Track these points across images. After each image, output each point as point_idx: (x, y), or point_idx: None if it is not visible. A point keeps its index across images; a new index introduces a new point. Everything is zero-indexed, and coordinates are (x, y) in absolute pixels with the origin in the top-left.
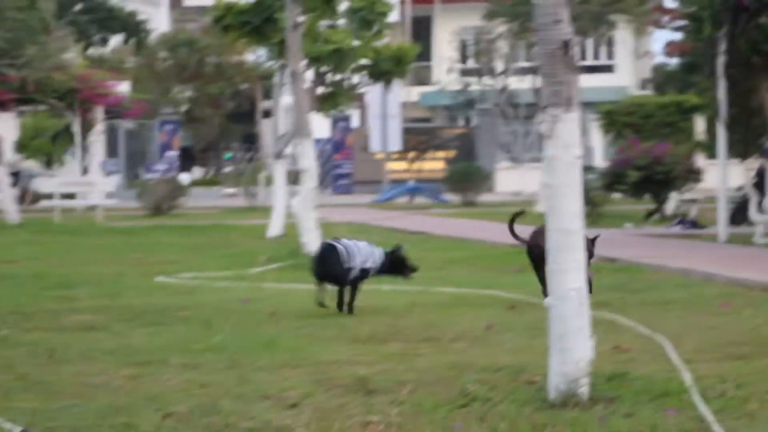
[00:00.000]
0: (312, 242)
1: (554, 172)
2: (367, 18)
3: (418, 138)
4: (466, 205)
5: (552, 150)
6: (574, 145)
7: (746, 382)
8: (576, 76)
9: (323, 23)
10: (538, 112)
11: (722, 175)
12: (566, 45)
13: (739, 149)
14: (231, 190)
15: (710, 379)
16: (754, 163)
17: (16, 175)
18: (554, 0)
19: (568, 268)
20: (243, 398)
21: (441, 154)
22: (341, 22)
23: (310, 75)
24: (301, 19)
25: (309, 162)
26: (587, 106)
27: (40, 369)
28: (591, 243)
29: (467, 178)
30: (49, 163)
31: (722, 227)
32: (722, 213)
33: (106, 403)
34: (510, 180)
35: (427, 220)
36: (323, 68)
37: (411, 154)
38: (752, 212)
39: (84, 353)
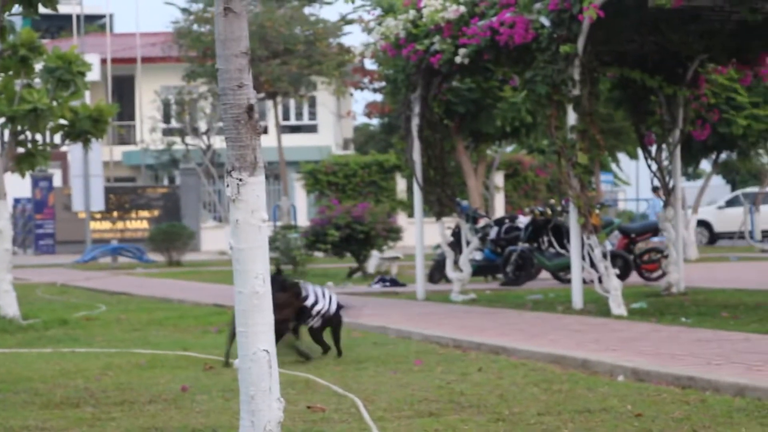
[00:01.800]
0: (7, 304)
1: (241, 236)
2: (64, 78)
3: (122, 197)
4: (171, 264)
5: (238, 214)
6: (260, 209)
7: None
8: (259, 141)
9: (19, 82)
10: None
11: (419, 234)
12: (250, 109)
13: (437, 208)
14: None
15: None
16: (450, 222)
17: None
18: (237, 65)
19: (256, 330)
20: None
21: (145, 213)
22: (38, 81)
23: (6, 134)
24: None
25: (3, 222)
26: (290, 165)
27: None
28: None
29: (172, 237)
30: None
31: (420, 285)
32: (420, 271)
33: None
34: (215, 239)
35: (131, 280)
36: (19, 128)
37: (114, 214)
38: (449, 270)
39: None
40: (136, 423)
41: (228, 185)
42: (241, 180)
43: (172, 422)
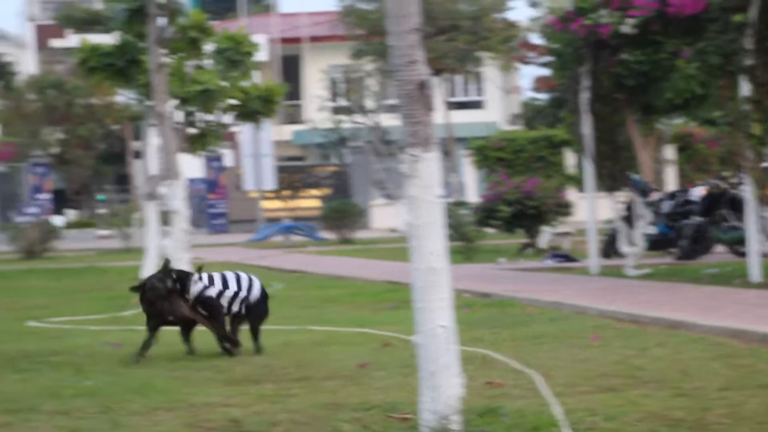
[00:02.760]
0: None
1: (417, 212)
2: (234, 58)
3: (292, 176)
4: (342, 242)
5: (413, 190)
6: (435, 185)
7: (616, 413)
8: (433, 116)
9: (190, 64)
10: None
11: (592, 209)
12: (422, 85)
13: (608, 183)
14: (105, 232)
15: (580, 412)
16: (622, 197)
17: None
18: (409, 41)
19: (434, 306)
20: None
21: (315, 191)
22: (208, 62)
23: (179, 115)
24: (165, 60)
25: (179, 203)
26: (458, 141)
27: None
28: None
29: (342, 215)
30: None
31: (593, 260)
32: (593, 246)
33: None
34: (385, 216)
35: (303, 258)
36: (192, 109)
37: (286, 193)
38: (622, 244)
39: None
40: (315, 399)
41: (402, 162)
42: (415, 156)
43: (351, 398)
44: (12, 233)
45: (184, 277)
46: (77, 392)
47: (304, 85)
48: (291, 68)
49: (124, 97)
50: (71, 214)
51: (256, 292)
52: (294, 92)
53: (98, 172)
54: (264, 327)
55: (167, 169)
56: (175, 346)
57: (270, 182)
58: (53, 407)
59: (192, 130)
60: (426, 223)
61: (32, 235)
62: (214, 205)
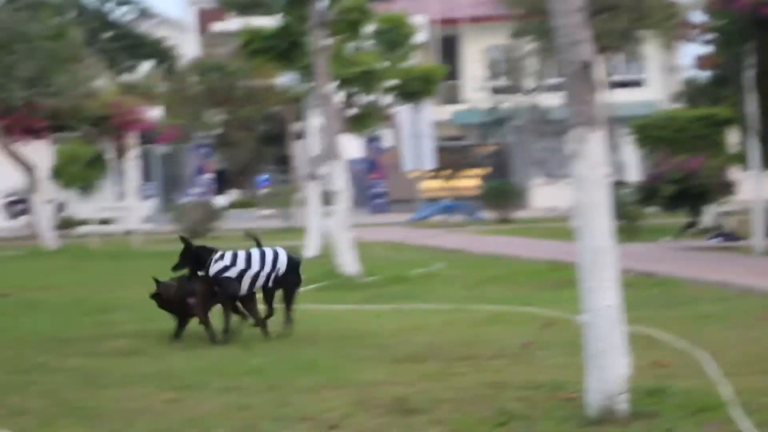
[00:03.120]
0: (348, 263)
1: (583, 191)
2: (394, 39)
3: (452, 156)
4: (501, 222)
5: (580, 169)
6: (601, 164)
7: None
8: (597, 96)
9: (350, 45)
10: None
11: (757, 187)
12: (586, 65)
13: None
14: (266, 212)
15: (750, 392)
16: None
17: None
18: (573, 21)
19: (602, 285)
20: (282, 420)
21: (475, 171)
22: (368, 44)
23: (340, 96)
24: (327, 42)
25: (341, 183)
26: (619, 121)
27: (81, 394)
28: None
29: (502, 195)
30: (85, 190)
31: (759, 239)
32: (758, 225)
33: (147, 428)
34: (545, 196)
35: (463, 237)
36: (352, 90)
37: (445, 173)
38: None
39: (124, 378)
40: (480, 378)
41: (567, 141)
42: (580, 135)
43: (517, 377)
44: (176, 213)
45: (204, 254)
46: (244, 370)
47: (462, 65)
48: (450, 48)
49: (284, 79)
50: (233, 195)
51: (282, 265)
52: (454, 72)
53: (259, 152)
54: (425, 306)
55: (329, 150)
56: (340, 324)
57: (429, 162)
58: (221, 384)
59: (352, 111)
60: (593, 203)
61: (195, 215)
62: (374, 185)
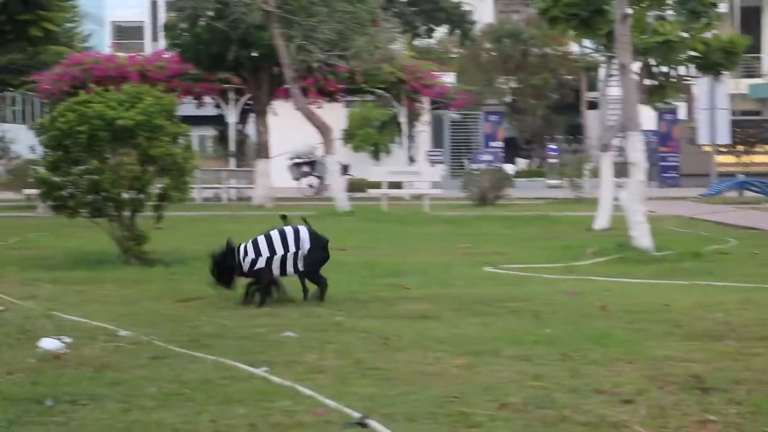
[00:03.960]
0: (640, 236)
1: None
2: (696, 9)
3: (747, 131)
4: None
5: None
6: None
7: None
8: None
9: (652, 14)
10: None
11: None
12: None
13: None
14: (554, 182)
15: None
16: None
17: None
18: None
19: None
20: (576, 392)
21: None
22: (669, 13)
23: (637, 66)
24: (629, 10)
25: (637, 155)
26: None
27: (375, 356)
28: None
29: None
30: (376, 153)
31: None
32: None
33: (440, 392)
34: None
35: (758, 214)
36: (651, 60)
37: (739, 147)
38: None
39: (417, 341)
40: None
41: None
42: None
43: None
44: (466, 180)
45: (229, 259)
46: (537, 339)
47: (763, 37)
48: (750, 20)
49: (579, 47)
50: (521, 163)
51: (305, 242)
52: (753, 45)
53: (549, 121)
54: (721, 283)
55: (626, 121)
56: (632, 298)
57: (724, 136)
58: (514, 352)
59: (650, 82)
60: None
61: (485, 182)
62: (666, 158)
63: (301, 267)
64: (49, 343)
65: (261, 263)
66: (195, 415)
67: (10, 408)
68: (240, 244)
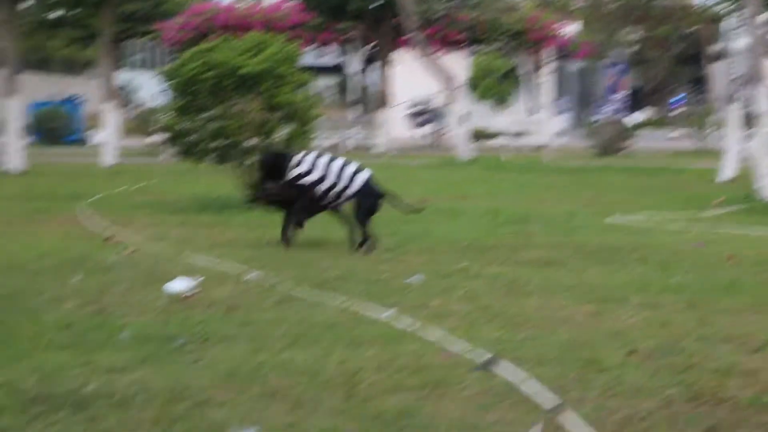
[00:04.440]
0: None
1: None
2: None
3: None
4: None
5: None
6: None
7: None
8: None
9: None
10: None
11: None
12: None
13: None
14: (677, 133)
15: None
16: None
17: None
18: None
19: None
20: (705, 339)
21: None
22: None
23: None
24: None
25: (764, 106)
26: None
27: (502, 301)
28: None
29: None
30: (498, 103)
31: None
32: None
33: (568, 337)
34: None
35: None
36: None
37: None
38: None
39: (543, 287)
40: None
41: None
42: None
43: None
44: (588, 130)
45: (281, 160)
46: (663, 287)
47: None
48: None
49: None
50: (645, 114)
51: (356, 185)
52: None
53: (673, 72)
54: None
55: (752, 72)
56: (759, 248)
57: None
58: (640, 300)
59: None
60: None
61: (607, 132)
62: None
63: (341, 206)
64: (179, 284)
65: (307, 180)
66: (323, 356)
67: (142, 346)
68: (298, 153)
